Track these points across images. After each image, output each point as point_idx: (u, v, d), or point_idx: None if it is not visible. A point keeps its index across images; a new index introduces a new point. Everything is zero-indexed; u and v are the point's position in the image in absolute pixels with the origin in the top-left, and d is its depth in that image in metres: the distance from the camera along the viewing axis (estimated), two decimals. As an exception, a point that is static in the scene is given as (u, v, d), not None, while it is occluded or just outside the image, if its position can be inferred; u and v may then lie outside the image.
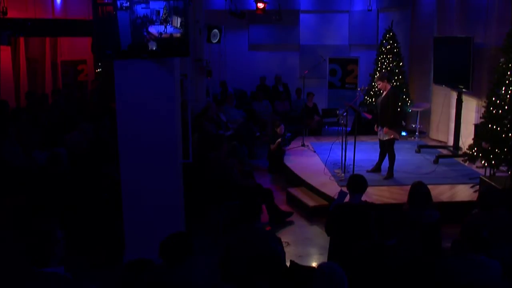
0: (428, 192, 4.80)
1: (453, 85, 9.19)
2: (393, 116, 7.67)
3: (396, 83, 10.86)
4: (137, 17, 4.92)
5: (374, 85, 11.24)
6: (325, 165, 8.53)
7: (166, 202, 5.53)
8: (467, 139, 8.54)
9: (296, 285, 3.76)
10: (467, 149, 7.85)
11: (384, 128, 7.74)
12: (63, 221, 5.36)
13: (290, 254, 5.39)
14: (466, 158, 8.01)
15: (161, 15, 4.92)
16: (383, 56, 11.44)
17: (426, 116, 10.91)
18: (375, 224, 4.48)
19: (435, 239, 4.70)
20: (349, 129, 9.50)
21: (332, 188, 7.43)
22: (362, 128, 9.40)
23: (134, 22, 4.92)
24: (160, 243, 3.56)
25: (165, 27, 4.96)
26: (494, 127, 6.95)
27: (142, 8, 4.90)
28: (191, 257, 3.58)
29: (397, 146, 8.13)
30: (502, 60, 7.07)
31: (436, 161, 8.71)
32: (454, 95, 9.27)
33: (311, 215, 7.20)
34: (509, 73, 6.87)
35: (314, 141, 10.60)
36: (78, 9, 11.88)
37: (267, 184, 8.51)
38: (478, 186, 6.97)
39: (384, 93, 7.81)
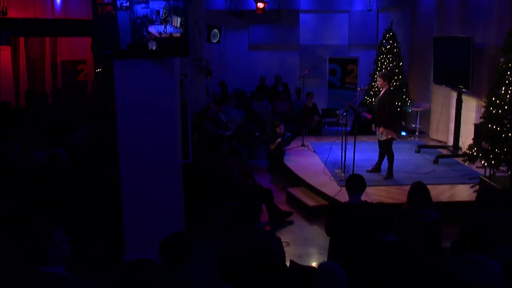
0: (427, 192, 4.79)
1: (453, 85, 9.20)
2: (389, 116, 7.66)
3: (396, 83, 10.86)
4: (137, 17, 4.92)
5: (374, 85, 11.25)
6: (325, 165, 8.53)
7: (166, 202, 5.53)
8: (467, 139, 8.55)
9: (296, 285, 3.77)
10: (467, 149, 7.85)
11: (380, 128, 7.74)
12: (64, 221, 5.36)
13: (290, 254, 5.38)
14: (466, 158, 8.00)
15: (161, 15, 4.93)
16: (383, 56, 11.44)
17: (426, 116, 10.91)
18: (375, 222, 4.47)
19: (435, 239, 4.70)
20: (349, 129, 9.50)
21: (332, 188, 7.43)
22: (362, 128, 9.40)
23: (134, 22, 4.92)
24: (160, 243, 3.56)
25: (165, 27, 4.96)
26: (494, 127, 6.95)
27: (142, 8, 4.91)
28: (191, 257, 3.58)
29: (397, 146, 8.13)
30: (502, 60, 7.07)
31: (436, 161, 8.71)
32: (454, 95, 9.28)
33: (311, 215, 7.20)
34: (509, 73, 6.87)
35: (314, 141, 10.60)
36: (78, 9, 11.87)
37: (267, 184, 8.50)
38: (478, 186, 6.98)
39: (381, 93, 7.82)
